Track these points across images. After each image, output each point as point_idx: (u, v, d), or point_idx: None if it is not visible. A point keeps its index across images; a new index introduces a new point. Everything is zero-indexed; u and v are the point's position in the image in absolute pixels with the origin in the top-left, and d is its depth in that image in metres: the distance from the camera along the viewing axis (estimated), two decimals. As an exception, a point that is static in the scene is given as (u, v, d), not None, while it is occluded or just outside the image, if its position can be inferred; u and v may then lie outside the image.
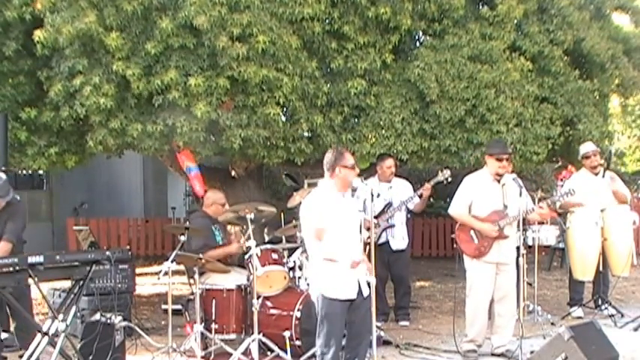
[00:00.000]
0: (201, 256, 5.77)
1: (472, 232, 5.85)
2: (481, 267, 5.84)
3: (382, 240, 7.03)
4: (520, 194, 5.65)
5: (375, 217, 6.49)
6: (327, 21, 6.87)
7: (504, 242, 5.82)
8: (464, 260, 5.97)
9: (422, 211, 7.68)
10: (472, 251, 5.86)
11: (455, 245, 6.04)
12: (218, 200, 6.61)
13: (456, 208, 5.97)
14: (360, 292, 4.73)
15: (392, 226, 7.11)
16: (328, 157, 4.85)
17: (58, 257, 5.00)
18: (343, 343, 4.85)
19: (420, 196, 7.12)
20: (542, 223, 7.67)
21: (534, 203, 6.16)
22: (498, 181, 5.85)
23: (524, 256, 5.95)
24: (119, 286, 6.51)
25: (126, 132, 6.74)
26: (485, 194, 5.86)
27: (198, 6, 6.26)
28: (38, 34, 6.55)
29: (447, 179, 6.91)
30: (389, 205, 7.03)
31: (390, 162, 7.09)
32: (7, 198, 5.64)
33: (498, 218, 5.78)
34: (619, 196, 7.35)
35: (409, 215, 7.50)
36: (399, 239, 7.22)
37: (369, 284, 4.84)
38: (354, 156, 5.13)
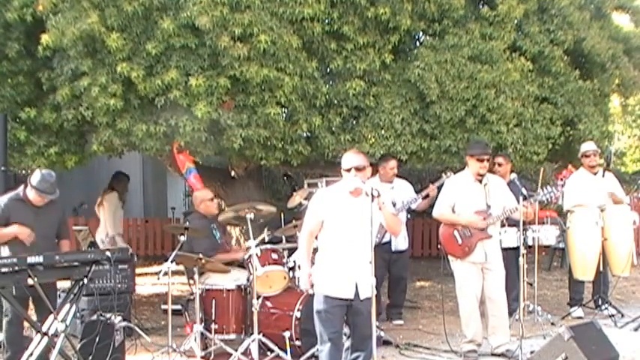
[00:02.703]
0: (200, 256, 5.77)
1: (455, 232, 5.86)
2: (466, 267, 5.86)
3: (385, 240, 7.04)
4: (520, 193, 5.67)
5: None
6: (326, 21, 6.86)
7: (488, 242, 5.83)
8: (450, 261, 5.99)
9: (423, 211, 7.71)
10: (456, 252, 5.88)
11: (439, 246, 6.05)
12: (205, 197, 6.64)
13: (440, 210, 5.99)
14: (357, 294, 4.67)
15: None
16: None
17: (57, 257, 5.01)
18: (348, 344, 4.83)
19: (426, 197, 7.15)
20: (543, 222, 7.67)
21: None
22: (480, 182, 5.86)
23: (524, 256, 5.95)
24: (119, 286, 6.50)
25: (131, 132, 6.74)
26: (467, 195, 5.88)
27: (201, 6, 6.26)
28: (45, 38, 6.55)
29: None
30: (392, 205, 7.02)
31: (393, 163, 7.11)
32: (54, 196, 5.64)
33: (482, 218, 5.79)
34: (616, 200, 7.36)
35: (409, 216, 7.51)
36: (400, 239, 7.24)
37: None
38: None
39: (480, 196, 5.84)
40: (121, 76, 6.50)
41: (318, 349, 4.79)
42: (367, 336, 4.62)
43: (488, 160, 5.90)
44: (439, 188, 7.02)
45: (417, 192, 7.24)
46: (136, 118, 6.74)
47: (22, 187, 5.71)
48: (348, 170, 4.67)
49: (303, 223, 4.90)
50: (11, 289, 5.09)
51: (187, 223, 6.47)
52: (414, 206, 7.21)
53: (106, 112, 6.66)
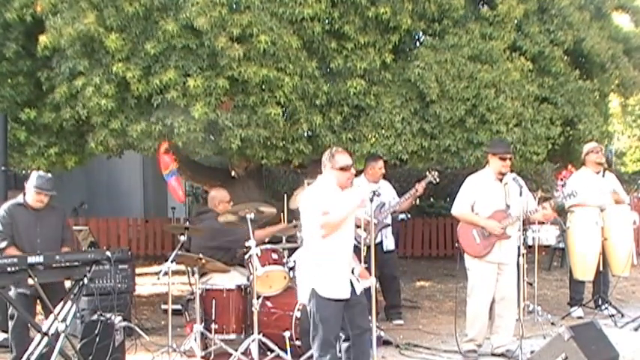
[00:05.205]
0: (201, 255, 5.77)
1: (474, 231, 5.84)
2: (483, 267, 5.83)
3: (377, 240, 7.04)
4: (520, 194, 5.65)
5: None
6: (327, 21, 6.87)
7: (506, 242, 5.81)
8: (465, 260, 5.97)
9: (423, 211, 7.73)
10: (474, 251, 5.85)
11: (456, 245, 6.03)
12: (223, 199, 6.63)
13: (459, 208, 5.96)
14: (353, 291, 4.70)
15: (388, 225, 7.15)
16: (323, 158, 4.85)
17: (57, 257, 5.00)
18: (347, 344, 4.83)
19: (414, 196, 7.15)
20: (543, 223, 7.67)
21: (537, 203, 6.14)
22: (500, 181, 5.84)
23: (524, 256, 5.95)
24: (119, 286, 6.51)
25: (126, 132, 6.76)
26: (487, 194, 5.85)
27: (199, 7, 6.26)
28: (42, 39, 6.57)
29: (435, 179, 6.93)
30: (382, 205, 7.04)
31: (381, 163, 7.09)
32: (53, 192, 5.74)
33: (501, 218, 5.77)
34: (617, 200, 7.36)
35: (409, 215, 7.51)
36: (390, 239, 7.31)
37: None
38: (352, 156, 5.11)
39: (500, 196, 5.82)
40: (117, 77, 6.52)
41: (318, 356, 4.69)
42: (364, 326, 4.67)
43: (510, 159, 5.88)
44: (427, 185, 7.06)
45: (403, 193, 7.25)
46: (131, 118, 6.76)
47: (21, 194, 5.83)
48: (342, 169, 4.72)
49: (312, 224, 4.68)
50: (10, 289, 5.12)
51: (202, 221, 6.46)
52: (396, 207, 7.20)
53: (100, 112, 6.68)
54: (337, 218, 4.60)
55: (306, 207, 4.77)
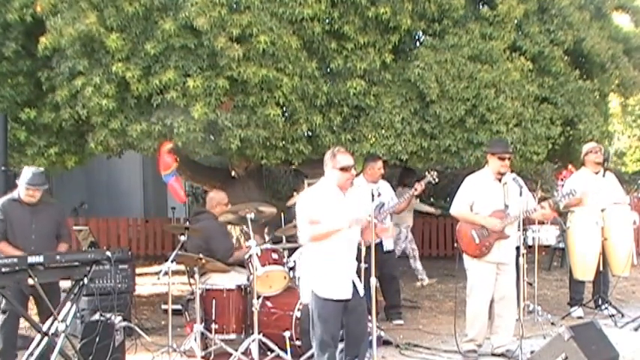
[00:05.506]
0: (201, 255, 5.77)
1: (473, 231, 5.84)
2: (482, 267, 5.83)
3: (376, 241, 7.02)
4: (520, 194, 5.64)
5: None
6: (327, 21, 6.87)
7: (505, 242, 5.81)
8: (464, 260, 5.97)
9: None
10: (473, 251, 5.85)
11: (456, 245, 6.03)
12: (222, 201, 6.64)
13: (458, 208, 5.96)
14: (355, 292, 4.70)
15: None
16: (325, 158, 4.85)
17: (58, 257, 5.01)
18: (342, 345, 4.83)
19: (413, 196, 7.15)
20: (543, 223, 7.67)
21: (537, 203, 6.14)
22: (500, 181, 5.84)
23: (524, 256, 5.94)
24: (119, 286, 6.51)
25: (126, 132, 6.77)
26: (486, 194, 5.85)
27: (198, 7, 6.27)
28: (43, 39, 6.58)
29: (434, 179, 6.92)
30: (381, 205, 7.04)
31: (381, 163, 7.08)
32: (45, 187, 5.77)
33: (500, 218, 5.76)
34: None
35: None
36: (389, 240, 7.31)
37: (369, 284, 4.83)
38: (352, 156, 5.10)
39: (499, 196, 5.81)
40: (117, 77, 6.53)
41: (317, 355, 4.73)
42: (361, 333, 4.65)
43: (509, 159, 5.87)
44: (427, 185, 7.06)
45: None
46: (131, 118, 6.77)
47: (17, 190, 5.86)
48: (343, 169, 4.72)
49: (301, 231, 4.79)
50: (11, 288, 5.13)
51: (198, 222, 6.47)
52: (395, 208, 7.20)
53: (101, 112, 6.69)
54: (320, 232, 4.64)
55: (299, 209, 4.80)
